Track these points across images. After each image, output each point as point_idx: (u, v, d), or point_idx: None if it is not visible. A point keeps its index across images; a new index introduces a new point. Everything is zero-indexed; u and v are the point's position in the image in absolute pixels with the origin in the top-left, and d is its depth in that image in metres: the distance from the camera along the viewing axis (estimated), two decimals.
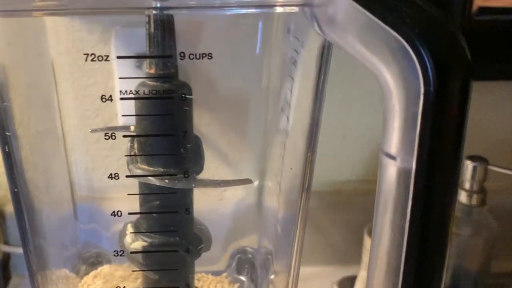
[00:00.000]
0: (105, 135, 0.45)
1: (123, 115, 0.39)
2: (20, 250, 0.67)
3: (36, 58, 0.37)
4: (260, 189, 0.42)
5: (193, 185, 0.34)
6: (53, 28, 0.37)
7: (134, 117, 0.34)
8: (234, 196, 0.43)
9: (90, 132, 0.38)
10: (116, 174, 0.46)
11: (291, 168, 0.38)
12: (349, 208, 0.75)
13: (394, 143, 0.26)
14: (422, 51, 0.23)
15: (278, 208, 0.41)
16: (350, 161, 0.76)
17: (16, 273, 0.69)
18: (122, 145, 0.49)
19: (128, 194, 0.32)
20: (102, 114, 0.41)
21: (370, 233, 0.68)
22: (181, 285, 0.34)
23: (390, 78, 0.25)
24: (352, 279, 0.72)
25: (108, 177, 0.47)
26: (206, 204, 0.38)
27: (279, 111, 0.37)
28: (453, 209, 0.26)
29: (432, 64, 0.23)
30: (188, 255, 0.33)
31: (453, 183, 0.26)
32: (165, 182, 0.33)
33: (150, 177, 0.33)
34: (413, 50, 0.24)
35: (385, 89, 0.25)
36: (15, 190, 0.32)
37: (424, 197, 0.25)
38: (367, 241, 0.68)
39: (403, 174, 0.25)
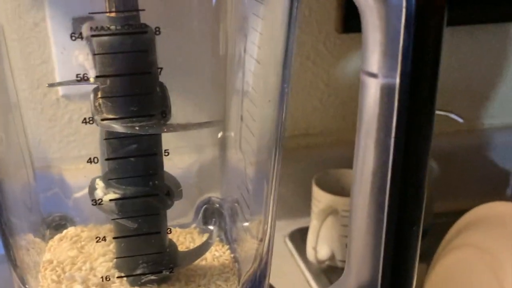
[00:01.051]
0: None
1: (48, 85, 0.38)
2: None
3: None
4: (224, 140, 0.42)
5: (164, 129, 0.33)
6: None
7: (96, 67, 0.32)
8: (198, 147, 0.43)
9: (47, 86, 0.37)
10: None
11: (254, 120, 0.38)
12: (294, 163, 0.76)
13: (375, 60, 0.26)
14: None
15: (243, 158, 0.41)
16: (292, 117, 0.77)
17: None
18: (73, 111, 0.48)
19: (105, 139, 0.31)
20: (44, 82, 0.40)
21: (318, 183, 0.69)
22: (161, 230, 0.33)
23: None
24: (302, 230, 0.73)
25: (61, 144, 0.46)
26: (169, 157, 0.37)
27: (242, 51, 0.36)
28: (433, 122, 0.27)
29: None
30: (168, 198, 0.32)
31: (433, 96, 0.26)
32: (135, 129, 0.32)
33: (117, 125, 0.32)
34: None
35: (364, 7, 0.26)
36: None
37: (408, 111, 0.26)
38: (315, 191, 0.69)
39: (385, 90, 0.26)
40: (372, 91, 0.26)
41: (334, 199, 0.67)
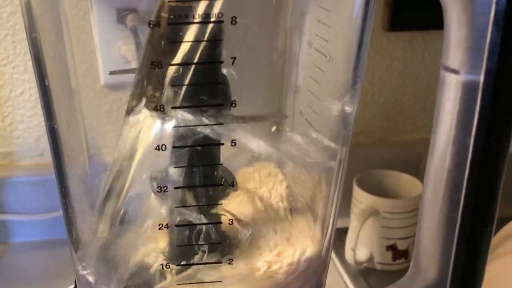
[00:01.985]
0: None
1: (110, 73, 0.38)
2: None
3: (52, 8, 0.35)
4: (277, 134, 0.42)
5: (231, 120, 0.33)
6: None
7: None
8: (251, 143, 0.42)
9: (109, 73, 0.37)
10: None
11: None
12: None
13: (457, 56, 0.25)
14: None
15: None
16: None
17: None
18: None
19: (174, 127, 0.31)
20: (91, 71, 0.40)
21: (359, 183, 0.69)
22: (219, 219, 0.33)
23: None
24: (340, 231, 0.72)
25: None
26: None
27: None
28: None
29: None
30: (232, 189, 0.32)
31: None
32: (201, 120, 0.32)
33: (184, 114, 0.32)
34: None
35: (449, 2, 0.25)
36: (55, 126, 0.30)
37: (491, 110, 0.25)
38: (356, 192, 0.68)
39: (467, 87, 0.25)
40: (452, 87, 0.26)
41: (376, 200, 0.66)
